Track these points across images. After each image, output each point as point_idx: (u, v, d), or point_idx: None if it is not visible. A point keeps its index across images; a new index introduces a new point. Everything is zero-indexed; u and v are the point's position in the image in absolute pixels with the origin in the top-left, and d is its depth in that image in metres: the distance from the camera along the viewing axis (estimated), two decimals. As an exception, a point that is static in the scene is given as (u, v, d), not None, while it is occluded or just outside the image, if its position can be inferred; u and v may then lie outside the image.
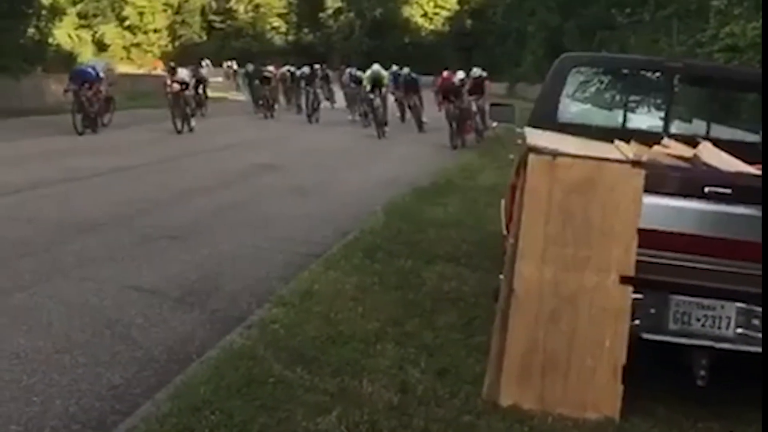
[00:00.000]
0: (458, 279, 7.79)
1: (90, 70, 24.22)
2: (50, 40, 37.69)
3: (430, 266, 8.23)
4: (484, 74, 26.48)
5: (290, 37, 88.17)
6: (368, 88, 27.59)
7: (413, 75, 30.68)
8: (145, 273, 8.12)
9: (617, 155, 5.24)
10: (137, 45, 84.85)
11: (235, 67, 41.66)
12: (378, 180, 15.71)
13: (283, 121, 32.28)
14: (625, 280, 5.01)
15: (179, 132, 24.39)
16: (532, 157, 5.15)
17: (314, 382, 5.12)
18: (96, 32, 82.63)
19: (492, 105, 8.07)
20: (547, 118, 6.65)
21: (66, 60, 36.33)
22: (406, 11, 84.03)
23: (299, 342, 5.81)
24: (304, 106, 33.90)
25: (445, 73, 26.63)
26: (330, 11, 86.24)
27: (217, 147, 21.43)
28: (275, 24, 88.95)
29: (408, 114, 30.18)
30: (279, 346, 5.69)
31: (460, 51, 75.94)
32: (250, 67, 41.06)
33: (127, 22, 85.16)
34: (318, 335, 5.96)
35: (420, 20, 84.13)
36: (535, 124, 6.48)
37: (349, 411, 4.71)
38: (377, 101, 26.90)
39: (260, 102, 34.45)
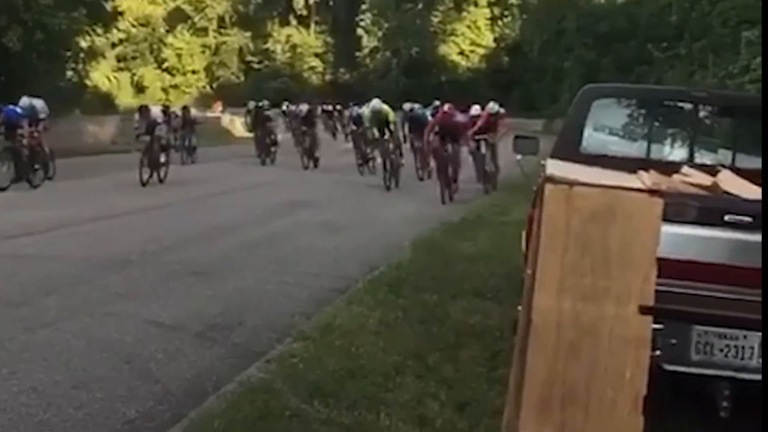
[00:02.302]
0: (484, 313, 7.71)
1: (17, 110, 20.10)
2: (88, 82, 38.23)
3: (456, 300, 8.17)
4: (502, 110, 22.77)
5: (327, 77, 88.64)
6: (374, 131, 22.70)
7: (419, 111, 25.91)
8: (168, 309, 8.17)
9: (636, 184, 5.18)
10: (175, 86, 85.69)
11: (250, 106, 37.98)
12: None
13: (280, 166, 27.83)
14: (645, 310, 4.92)
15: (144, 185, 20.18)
16: (549, 186, 5.08)
17: (331, 415, 5.08)
18: (134, 74, 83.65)
19: (516, 137, 8.03)
20: (570, 150, 6.60)
21: (103, 102, 36.68)
22: (443, 49, 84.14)
23: (318, 376, 5.78)
24: (300, 149, 28.78)
25: (446, 107, 21.22)
26: (366, 50, 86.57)
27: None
28: (312, 64, 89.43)
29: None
30: (297, 380, 5.67)
31: (497, 88, 75.91)
32: (252, 104, 35.73)
33: (165, 64, 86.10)
34: (337, 369, 5.93)
35: (456, 58, 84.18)
36: (559, 156, 6.42)
37: (365, 445, 4.67)
38: (387, 145, 22.03)
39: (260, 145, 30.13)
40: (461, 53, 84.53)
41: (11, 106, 19.82)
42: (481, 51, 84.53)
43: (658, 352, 4.99)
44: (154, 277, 9.69)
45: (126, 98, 67.69)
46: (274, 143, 29.91)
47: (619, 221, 5.08)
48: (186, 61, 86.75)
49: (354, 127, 28.38)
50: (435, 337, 6.88)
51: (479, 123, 21.61)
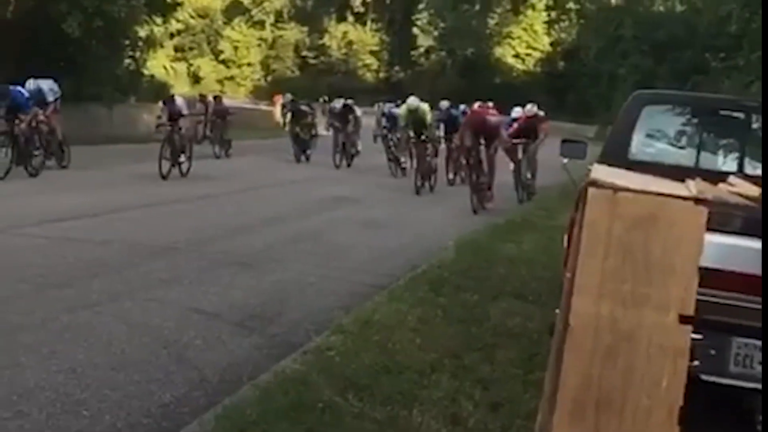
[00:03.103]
0: (524, 315, 7.68)
1: (24, 92, 18.56)
2: (145, 71, 38.57)
3: (497, 302, 8.15)
4: (541, 113, 20.88)
5: (381, 74, 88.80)
6: (410, 132, 21.15)
7: (455, 111, 23.99)
8: (210, 297, 8.23)
9: (681, 192, 5.12)
10: (231, 78, 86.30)
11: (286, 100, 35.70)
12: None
13: (316, 164, 26.18)
14: (684, 319, 4.86)
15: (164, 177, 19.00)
16: (592, 190, 5.03)
17: (364, 409, 5.09)
18: (191, 65, 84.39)
19: (563, 141, 7.97)
20: (617, 156, 6.55)
21: (159, 91, 36.96)
22: (498, 51, 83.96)
23: (353, 370, 5.79)
24: (332, 149, 26.33)
25: (475, 106, 20.60)
26: (422, 49, 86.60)
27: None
28: (367, 61, 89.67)
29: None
30: (332, 373, 5.68)
31: (551, 92, 75.63)
32: (288, 96, 34.60)
33: (221, 56, 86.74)
34: (373, 364, 5.94)
35: (511, 60, 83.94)
36: (605, 161, 6.39)
37: (395, 440, 4.67)
38: (422, 147, 20.45)
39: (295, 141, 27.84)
40: (516, 56, 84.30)
41: (18, 88, 18.45)
42: (537, 54, 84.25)
43: (696, 363, 4.93)
44: (198, 265, 9.76)
45: (182, 88, 68.18)
46: (311, 139, 28.07)
47: (662, 228, 5.03)
48: (242, 53, 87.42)
49: (387, 126, 26.08)
50: (473, 337, 6.87)
51: (516, 125, 20.34)
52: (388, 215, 15.66)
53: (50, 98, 19.32)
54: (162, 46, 49.44)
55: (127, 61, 35.71)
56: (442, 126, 22.84)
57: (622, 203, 4.99)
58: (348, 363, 5.92)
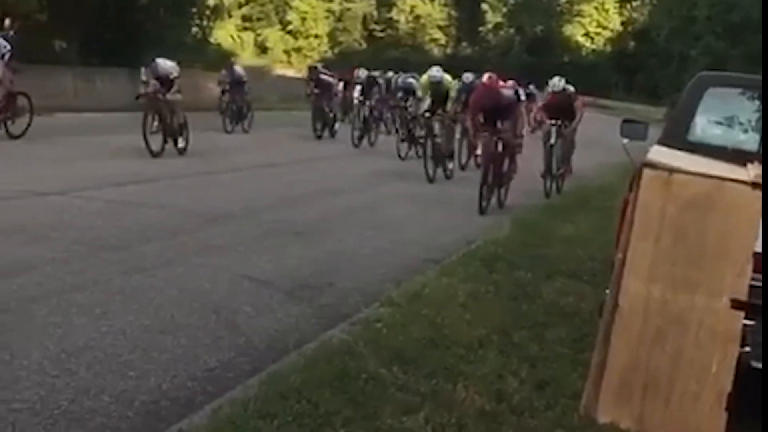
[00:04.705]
0: (577, 295, 7.59)
1: None
2: (212, 39, 38.81)
3: (550, 280, 8.08)
4: (571, 89, 18.07)
5: (448, 50, 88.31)
6: (426, 105, 17.96)
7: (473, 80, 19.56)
8: (262, 264, 8.26)
9: (739, 176, 5.03)
10: (298, 50, 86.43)
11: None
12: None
13: (338, 141, 23.72)
14: (737, 304, 4.79)
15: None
16: (646, 171, 5.00)
17: (408, 382, 5.07)
18: (258, 35, 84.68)
19: (624, 121, 7.83)
20: (677, 137, 6.46)
21: (226, 60, 37.20)
22: (568, 30, 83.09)
23: (400, 342, 5.77)
24: (352, 125, 23.81)
25: (485, 78, 15.44)
26: (490, 26, 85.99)
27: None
28: (435, 36, 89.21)
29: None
30: (379, 345, 5.66)
31: (620, 72, 74.77)
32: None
33: (289, 27, 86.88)
34: (420, 337, 5.92)
35: (581, 39, 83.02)
36: (665, 143, 6.31)
37: (437, 413, 4.65)
38: (436, 124, 17.34)
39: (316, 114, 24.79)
40: (586, 34, 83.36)
41: None
42: (607, 34, 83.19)
43: (747, 349, 4.86)
44: (252, 233, 9.81)
45: (249, 58, 68.52)
46: (336, 114, 25.45)
47: (718, 212, 4.95)
48: (309, 25, 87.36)
49: (402, 98, 22.95)
50: (523, 315, 6.81)
51: (544, 103, 18.22)
52: (439, 191, 15.47)
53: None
54: (230, 16, 49.71)
55: (195, 29, 35.96)
56: (462, 100, 18.85)
57: (676, 185, 4.93)
58: (395, 335, 5.90)
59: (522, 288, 7.67)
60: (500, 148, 13.91)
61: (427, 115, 17.56)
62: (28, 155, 14.80)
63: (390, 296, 6.96)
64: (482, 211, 13.11)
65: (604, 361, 5.01)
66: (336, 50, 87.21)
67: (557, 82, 17.65)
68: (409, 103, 21.72)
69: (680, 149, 6.06)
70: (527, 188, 15.20)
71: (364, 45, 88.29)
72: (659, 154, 5.61)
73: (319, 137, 24.17)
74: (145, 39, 29.79)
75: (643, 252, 4.95)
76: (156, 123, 16.42)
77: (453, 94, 18.29)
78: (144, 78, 16.96)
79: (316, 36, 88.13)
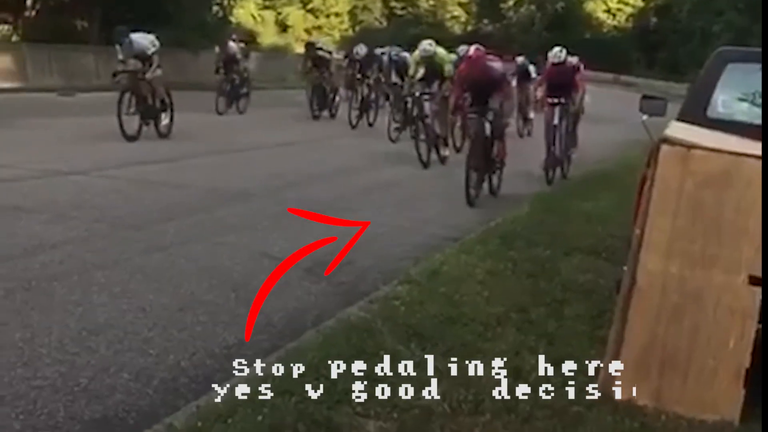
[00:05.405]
0: (595, 272, 7.57)
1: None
2: (232, 18, 38.77)
3: (569, 258, 8.06)
4: (573, 60, 16.86)
5: (469, 27, 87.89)
6: (417, 78, 16.27)
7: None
8: (281, 242, 8.29)
9: (757, 151, 5.00)
10: (318, 28, 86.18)
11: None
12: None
13: (336, 122, 22.73)
14: (755, 280, 4.78)
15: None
16: (664, 147, 4.98)
17: (425, 358, 5.09)
18: (279, 13, 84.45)
19: (643, 97, 7.78)
20: (696, 113, 6.40)
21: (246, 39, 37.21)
22: (589, 6, 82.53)
23: (418, 319, 5.78)
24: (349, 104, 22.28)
25: (471, 51, 14.62)
26: (511, 2, 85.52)
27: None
28: (455, 13, 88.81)
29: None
30: (396, 322, 5.67)
31: (641, 48, 74.24)
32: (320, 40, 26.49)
33: (310, 5, 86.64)
34: (438, 314, 5.92)
35: (602, 15, 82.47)
36: (684, 119, 6.27)
37: (454, 389, 4.66)
38: (427, 105, 15.53)
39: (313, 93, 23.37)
40: (608, 11, 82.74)
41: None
42: (629, 10, 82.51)
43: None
44: (271, 211, 9.86)
45: (270, 37, 68.45)
46: (335, 92, 23.84)
47: (736, 188, 4.93)
48: (330, 3, 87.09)
49: (395, 76, 21.38)
50: (542, 292, 6.79)
51: (543, 76, 16.06)
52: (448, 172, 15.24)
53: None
54: (252, -5, 49.65)
55: (215, 8, 35.95)
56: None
57: (694, 161, 4.91)
58: (413, 313, 5.91)
59: (540, 265, 7.65)
60: (488, 131, 12.37)
61: (417, 94, 15.86)
62: (50, 134, 14.88)
63: (408, 273, 6.98)
64: (471, 203, 11.62)
65: (621, 338, 5.01)
66: (357, 28, 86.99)
67: (558, 53, 15.45)
68: (404, 81, 19.29)
69: (700, 125, 6.02)
70: (527, 173, 14.61)
71: (385, 23, 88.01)
72: (677, 129, 5.59)
73: (316, 117, 22.96)
74: (165, 18, 29.80)
75: (661, 228, 4.93)
76: (133, 103, 15.37)
77: (449, 68, 16.15)
78: (121, 57, 15.79)
79: (337, 14, 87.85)
